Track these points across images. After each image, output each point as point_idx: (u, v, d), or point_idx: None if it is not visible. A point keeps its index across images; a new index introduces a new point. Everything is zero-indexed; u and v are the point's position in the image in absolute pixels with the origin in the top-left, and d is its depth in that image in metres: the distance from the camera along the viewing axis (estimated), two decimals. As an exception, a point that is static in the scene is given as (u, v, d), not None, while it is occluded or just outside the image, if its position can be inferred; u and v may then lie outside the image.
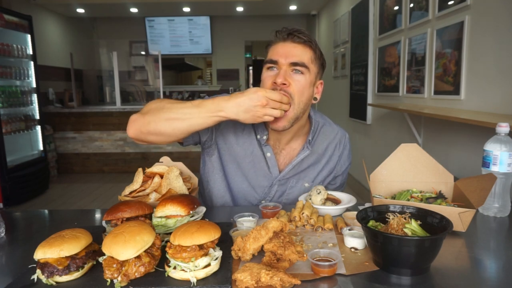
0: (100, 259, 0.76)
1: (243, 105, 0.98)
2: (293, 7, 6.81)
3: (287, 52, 1.11)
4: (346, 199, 1.15)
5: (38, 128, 4.81)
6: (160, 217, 0.92)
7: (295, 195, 1.28)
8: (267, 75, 1.13)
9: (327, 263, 0.73)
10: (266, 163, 1.25)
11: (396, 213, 0.84)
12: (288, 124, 1.12)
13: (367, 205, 1.12)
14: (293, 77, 1.11)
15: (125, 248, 0.71)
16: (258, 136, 1.24)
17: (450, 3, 2.29)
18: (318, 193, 1.10)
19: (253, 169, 1.26)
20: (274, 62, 1.11)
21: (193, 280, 0.71)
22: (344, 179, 1.39)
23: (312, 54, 1.14)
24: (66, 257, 0.73)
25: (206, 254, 0.75)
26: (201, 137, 1.24)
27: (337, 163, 1.33)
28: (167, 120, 1.04)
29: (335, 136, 1.33)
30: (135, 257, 0.72)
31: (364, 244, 0.86)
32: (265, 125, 1.24)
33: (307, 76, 1.12)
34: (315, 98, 1.20)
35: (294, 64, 1.10)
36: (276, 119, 1.07)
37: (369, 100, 3.87)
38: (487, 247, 0.93)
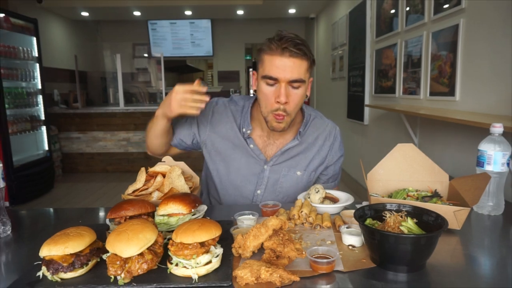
0: (104, 256, 0.77)
1: (165, 101, 1.16)
2: (292, 11, 6.82)
3: (286, 68, 1.13)
4: (344, 197, 1.17)
5: (43, 128, 4.81)
6: (163, 215, 0.93)
7: (288, 184, 1.33)
8: (268, 91, 1.17)
9: (325, 260, 0.75)
10: (252, 152, 1.31)
11: (393, 212, 0.85)
12: (287, 126, 1.24)
13: (365, 203, 1.14)
14: (291, 92, 1.16)
15: (128, 245, 0.72)
16: (244, 129, 1.30)
17: (445, 6, 2.32)
18: (317, 192, 1.12)
19: (243, 158, 1.32)
20: (275, 79, 1.15)
21: (195, 276, 0.73)
22: (336, 171, 1.42)
23: (307, 64, 1.17)
24: (71, 254, 0.75)
25: (207, 252, 0.76)
26: (186, 141, 1.34)
27: (328, 153, 1.37)
28: (148, 137, 1.29)
29: (325, 128, 1.37)
30: (138, 254, 0.74)
31: (361, 241, 0.87)
32: (250, 120, 1.31)
33: (303, 88, 1.18)
34: (305, 96, 1.24)
35: (294, 81, 1.14)
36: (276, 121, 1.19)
37: (366, 101, 3.89)
38: (481, 244, 0.95)
